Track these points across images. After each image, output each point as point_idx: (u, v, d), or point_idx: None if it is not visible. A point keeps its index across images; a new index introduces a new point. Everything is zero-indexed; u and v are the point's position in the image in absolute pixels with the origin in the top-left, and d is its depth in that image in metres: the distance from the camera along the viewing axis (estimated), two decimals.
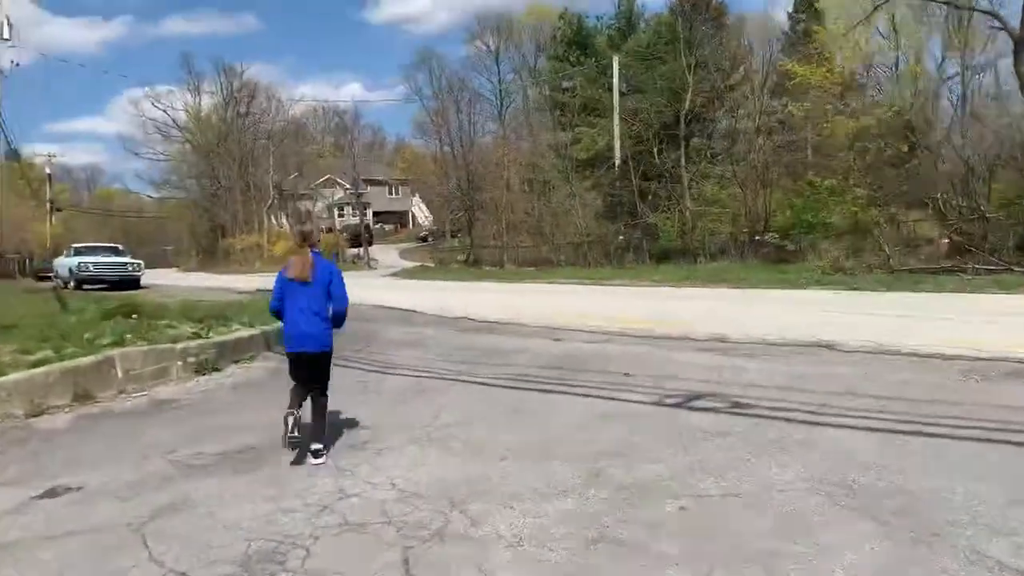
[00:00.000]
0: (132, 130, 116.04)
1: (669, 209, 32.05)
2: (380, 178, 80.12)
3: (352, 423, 5.61)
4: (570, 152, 37.83)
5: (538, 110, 47.18)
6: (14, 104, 67.55)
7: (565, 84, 42.78)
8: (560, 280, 25.35)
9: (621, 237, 34.48)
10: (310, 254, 4.93)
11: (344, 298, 5.03)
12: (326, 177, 73.05)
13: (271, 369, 8.04)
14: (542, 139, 43.14)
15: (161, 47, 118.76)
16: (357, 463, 4.57)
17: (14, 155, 32.72)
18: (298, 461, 4.67)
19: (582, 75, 40.22)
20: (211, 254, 65.53)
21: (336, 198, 73.54)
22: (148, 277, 43.55)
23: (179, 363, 7.54)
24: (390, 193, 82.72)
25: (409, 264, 48.70)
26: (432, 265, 41.95)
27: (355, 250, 55.07)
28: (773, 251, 28.46)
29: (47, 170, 63.79)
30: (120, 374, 6.88)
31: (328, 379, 5.10)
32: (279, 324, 5.31)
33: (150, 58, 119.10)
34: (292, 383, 5.00)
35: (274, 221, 62.90)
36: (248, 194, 61.28)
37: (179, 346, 7.76)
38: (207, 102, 64.93)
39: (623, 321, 10.90)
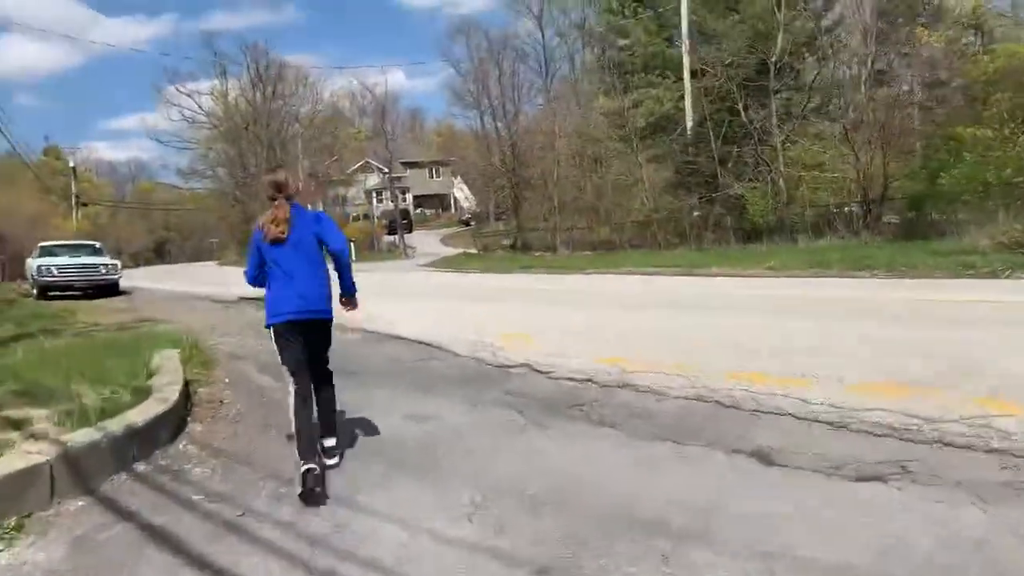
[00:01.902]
0: (169, 123, 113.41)
1: (757, 177, 26.53)
2: (419, 160, 75.54)
3: None
4: (629, 118, 32.41)
5: (589, 73, 41.70)
6: (69, 102, 64.40)
7: (621, 41, 37.39)
8: (632, 268, 20.01)
9: (696, 213, 29.09)
10: (287, 205, 4.17)
11: (343, 241, 4.35)
12: (362, 162, 68.72)
13: (81, 544, 3.33)
14: (594, 107, 37.79)
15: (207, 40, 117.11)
16: None
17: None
18: (316, 501, 3.69)
19: (642, 27, 34.73)
20: (245, 245, 61.71)
21: (372, 183, 69.21)
22: (172, 274, 40.17)
23: None
24: (430, 176, 78.15)
25: (450, 251, 43.90)
26: (475, 252, 37.10)
27: (391, 238, 50.52)
28: (896, 225, 22.88)
29: (71, 163, 60.68)
30: None
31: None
32: (142, 416, 4.49)
33: (192, 52, 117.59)
34: (293, 383, 4.12)
35: (309, 210, 58.68)
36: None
37: None
38: (234, 85, 60.78)
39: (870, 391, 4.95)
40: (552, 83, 43.65)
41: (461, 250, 40.96)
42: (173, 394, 5.16)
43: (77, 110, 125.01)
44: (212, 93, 59.87)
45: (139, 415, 4.57)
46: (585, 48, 43.85)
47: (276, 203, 4.20)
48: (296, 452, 3.94)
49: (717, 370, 5.91)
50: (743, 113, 26.38)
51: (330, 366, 4.56)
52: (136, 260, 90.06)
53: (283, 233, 4.12)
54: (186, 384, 5.83)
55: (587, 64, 42.65)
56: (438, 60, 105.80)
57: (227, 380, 6.93)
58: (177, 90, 59.63)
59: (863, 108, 24.32)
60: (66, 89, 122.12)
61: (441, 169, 78.49)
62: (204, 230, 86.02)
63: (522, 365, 6.76)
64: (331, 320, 4.40)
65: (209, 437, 5.04)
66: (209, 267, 51.84)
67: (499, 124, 37.69)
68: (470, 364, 7.26)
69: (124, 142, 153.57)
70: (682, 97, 30.56)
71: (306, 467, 3.81)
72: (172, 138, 63.06)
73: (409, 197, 74.47)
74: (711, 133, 27.40)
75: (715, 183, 27.85)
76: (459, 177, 79.91)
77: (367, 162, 68.20)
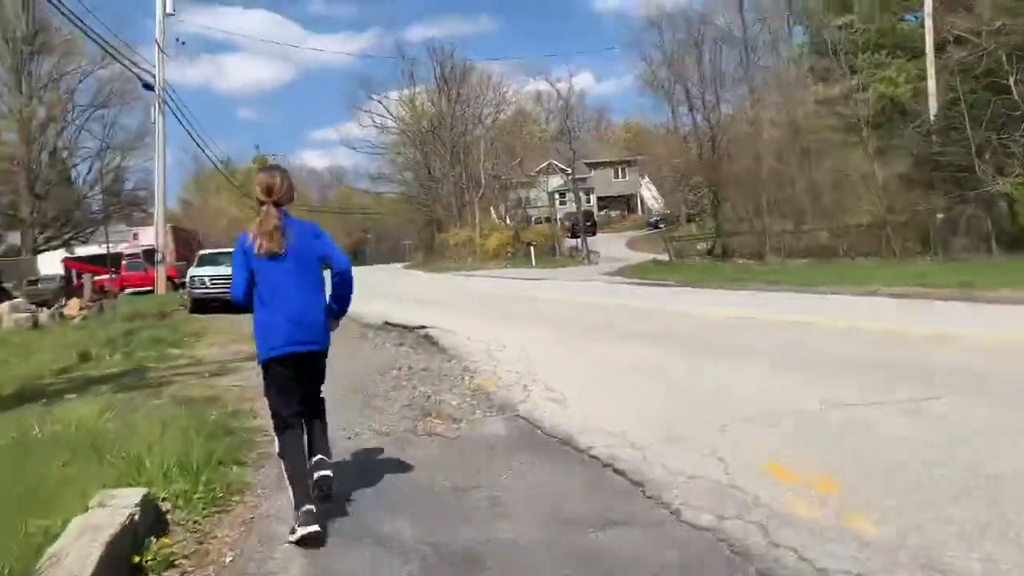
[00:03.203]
0: (361, 129, 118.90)
1: None
2: (603, 160, 72.79)
3: None
4: (854, 105, 27.77)
5: (798, 59, 36.97)
6: (282, 116, 68.64)
7: (839, 20, 32.54)
8: (881, 287, 15.19)
9: (940, 215, 24.15)
10: (276, 214, 3.65)
11: (345, 262, 3.83)
12: (546, 163, 67.04)
13: None
14: (806, 95, 33.20)
15: (407, 50, 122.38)
16: None
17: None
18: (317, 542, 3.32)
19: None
20: (430, 249, 62.25)
21: (555, 185, 67.35)
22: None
23: None
24: (615, 176, 75.16)
25: (636, 257, 40.71)
26: (666, 258, 33.71)
27: (573, 241, 48.07)
28: None
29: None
30: None
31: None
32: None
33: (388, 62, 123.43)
34: (283, 431, 3.70)
35: (492, 214, 57.87)
36: (461, 185, 56.56)
37: None
38: (421, 91, 61.30)
39: None
40: (753, 71, 39.20)
41: (650, 256, 37.69)
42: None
43: (289, 122, 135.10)
44: (400, 98, 60.60)
45: None
46: (793, 29, 39.04)
47: (264, 209, 3.67)
48: (291, 496, 3.50)
49: None
50: (1014, 90, 21.21)
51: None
52: None
53: (279, 247, 3.61)
54: None
55: (796, 48, 37.87)
56: (629, 52, 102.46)
57: None
58: (369, 96, 61.03)
59: None
60: (279, 103, 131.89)
61: (627, 169, 75.27)
62: (399, 233, 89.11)
63: None
64: (326, 351, 3.92)
65: None
66: (393, 270, 52.30)
67: (697, 116, 34.06)
68: (713, 556, 3.12)
69: (330, 151, 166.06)
70: (921, 77, 25.64)
71: (305, 508, 3.40)
72: (364, 144, 64.71)
73: (593, 198, 71.88)
74: (966, 116, 22.40)
75: (967, 178, 22.85)
76: (646, 177, 76.42)
77: (550, 163, 66.42)
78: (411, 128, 60.40)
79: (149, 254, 38.39)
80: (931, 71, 24.65)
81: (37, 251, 44.31)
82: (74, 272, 40.40)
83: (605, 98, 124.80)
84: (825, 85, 29.62)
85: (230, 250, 17.76)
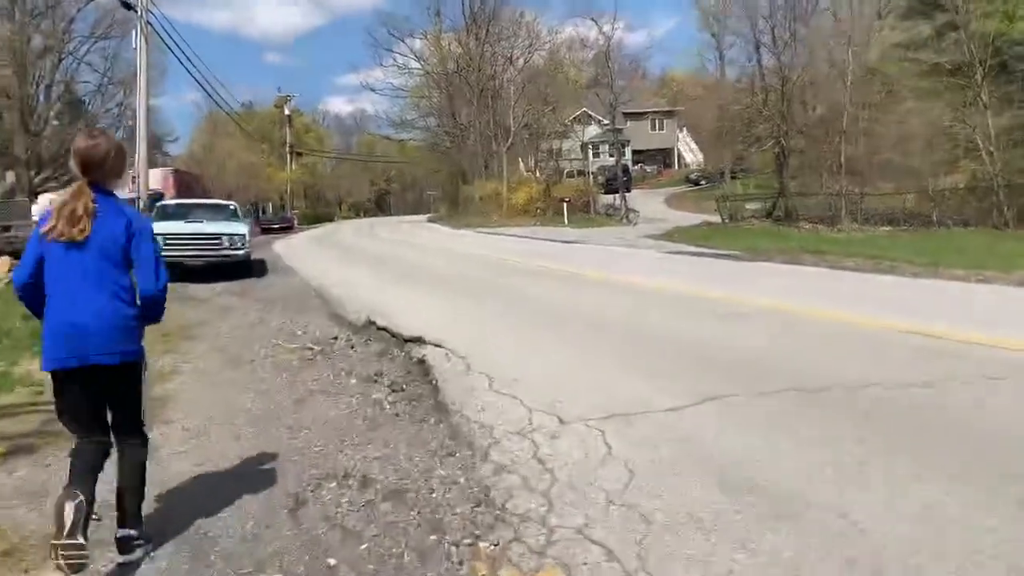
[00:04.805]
0: (383, 71, 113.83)
1: None
2: (640, 110, 68.02)
3: None
4: (954, 46, 23.43)
5: None
6: (312, 62, 64.79)
7: None
8: None
9: None
10: (91, 194, 2.92)
11: (153, 269, 2.99)
12: (579, 112, 62.62)
13: None
14: (883, 37, 28.71)
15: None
16: None
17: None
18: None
19: None
20: (455, 203, 58.46)
21: (590, 136, 62.95)
22: (367, 232, 36.35)
23: None
24: (652, 128, 70.43)
25: (677, 217, 36.79)
26: (717, 220, 29.74)
27: (610, 198, 44.02)
28: None
29: (286, 112, 60.01)
30: None
31: (141, 410, 3.08)
32: None
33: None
34: (72, 438, 3.04)
35: (521, 165, 53.76)
36: (489, 133, 52.34)
37: None
38: (448, 29, 56.79)
39: None
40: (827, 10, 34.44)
41: (694, 216, 33.72)
42: None
43: (318, 67, 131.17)
44: (424, 36, 56.14)
45: None
46: None
47: (76, 187, 2.91)
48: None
49: None
50: None
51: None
52: (357, 211, 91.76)
53: (82, 233, 2.84)
54: None
55: None
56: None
57: None
58: (389, 33, 56.67)
59: None
60: (309, 48, 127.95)
61: (665, 120, 70.47)
62: (424, 183, 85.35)
63: None
64: (138, 363, 3.02)
65: None
66: (416, 223, 48.67)
67: (763, 56, 29.33)
68: None
69: (355, 97, 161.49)
70: None
71: (63, 496, 2.74)
72: (385, 86, 60.52)
73: (628, 152, 67.48)
74: None
75: None
76: (684, 130, 71.69)
77: (584, 112, 62.03)
78: (436, 70, 56.06)
79: (151, 200, 35.13)
80: None
81: (35, 192, 41.27)
82: None
83: (639, 49, 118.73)
84: (922, 20, 25.18)
85: (191, 201, 13.90)
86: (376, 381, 6.00)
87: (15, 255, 17.27)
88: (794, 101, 26.63)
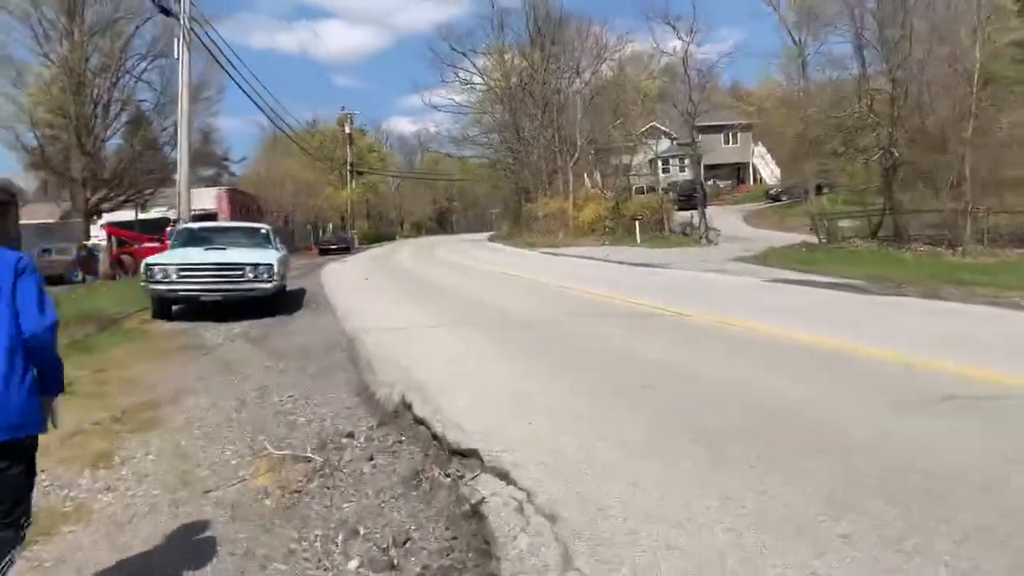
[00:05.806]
0: (445, 86, 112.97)
1: None
2: (713, 123, 64.47)
3: None
4: None
5: None
6: (378, 83, 64.01)
7: None
8: None
9: None
10: None
11: (36, 323, 2.44)
12: (649, 125, 59.56)
13: None
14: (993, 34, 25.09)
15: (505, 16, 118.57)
16: None
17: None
18: None
19: None
20: (517, 220, 56.02)
21: (661, 150, 59.82)
22: (424, 253, 33.91)
23: None
24: (725, 142, 66.84)
25: (766, 236, 33.47)
26: (815, 240, 26.39)
27: (686, 214, 40.80)
28: None
29: (347, 130, 58.66)
30: None
31: (28, 504, 2.47)
32: None
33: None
34: None
35: (586, 181, 51.00)
36: (554, 148, 49.74)
37: None
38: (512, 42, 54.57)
39: None
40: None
41: (787, 237, 30.34)
42: None
43: (384, 87, 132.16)
44: (488, 50, 54.06)
45: None
46: None
47: None
48: None
49: None
50: None
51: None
52: (418, 230, 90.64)
53: None
54: None
55: None
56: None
57: None
58: (452, 48, 54.76)
59: None
60: (375, 69, 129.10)
61: (739, 134, 66.79)
62: (486, 201, 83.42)
63: None
64: (30, 442, 2.43)
65: None
66: (477, 243, 46.38)
67: (868, 56, 25.83)
68: None
69: (420, 117, 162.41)
70: None
71: None
72: (447, 102, 58.68)
73: (701, 166, 64.05)
74: None
75: None
76: (759, 144, 67.88)
77: (653, 125, 58.95)
78: (499, 84, 53.85)
79: (202, 220, 33.68)
80: None
81: (91, 213, 40.37)
82: (114, 240, 36.17)
83: (711, 60, 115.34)
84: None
85: (215, 224, 11.80)
86: (395, 568, 3.33)
87: (50, 281, 15.45)
88: (908, 106, 23.20)
